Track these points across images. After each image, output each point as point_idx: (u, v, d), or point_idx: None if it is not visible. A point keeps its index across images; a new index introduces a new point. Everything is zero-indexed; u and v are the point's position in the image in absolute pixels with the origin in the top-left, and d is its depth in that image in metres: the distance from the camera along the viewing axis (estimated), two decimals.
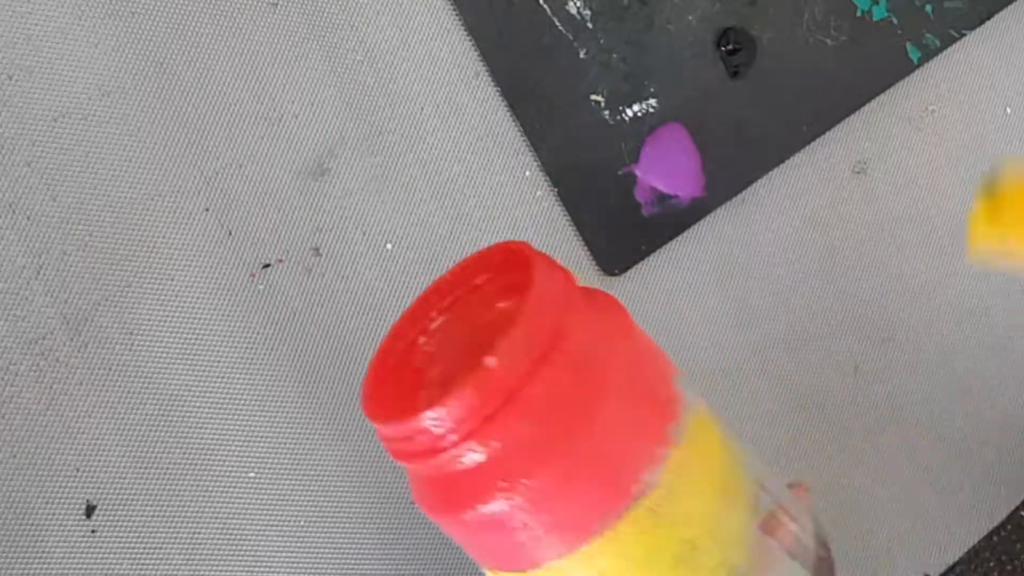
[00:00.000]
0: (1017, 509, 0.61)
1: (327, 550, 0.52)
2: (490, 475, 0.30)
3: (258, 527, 0.51)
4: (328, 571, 0.52)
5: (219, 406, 0.51)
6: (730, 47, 0.56)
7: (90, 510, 0.49)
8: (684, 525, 0.32)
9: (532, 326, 0.30)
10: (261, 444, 0.51)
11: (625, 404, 0.32)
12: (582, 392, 0.31)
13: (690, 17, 0.56)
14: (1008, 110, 0.61)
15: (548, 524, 0.31)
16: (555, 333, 0.31)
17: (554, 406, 0.30)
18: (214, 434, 0.51)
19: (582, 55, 0.55)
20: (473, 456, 0.30)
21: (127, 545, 0.49)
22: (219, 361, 0.51)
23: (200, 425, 0.51)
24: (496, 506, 0.30)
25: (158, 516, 0.50)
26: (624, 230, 0.55)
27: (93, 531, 0.49)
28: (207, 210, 0.51)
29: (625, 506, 0.31)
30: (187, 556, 0.50)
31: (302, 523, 0.51)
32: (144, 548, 0.49)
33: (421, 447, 0.31)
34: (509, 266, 0.36)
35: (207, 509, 0.50)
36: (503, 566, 0.32)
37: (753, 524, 0.35)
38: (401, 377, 0.37)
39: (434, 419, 0.30)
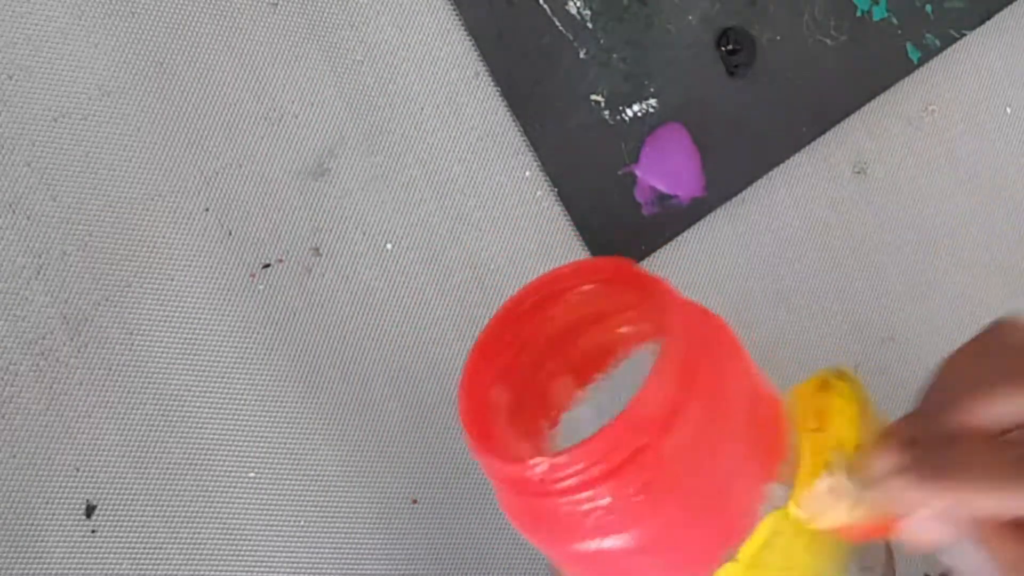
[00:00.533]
0: None
1: (327, 550, 0.52)
2: (609, 516, 0.30)
3: (258, 527, 0.51)
4: (328, 571, 0.52)
5: (219, 406, 0.51)
6: (730, 47, 0.56)
7: (90, 510, 0.49)
8: (787, 565, 0.33)
9: (669, 379, 0.30)
10: (261, 444, 0.51)
11: (745, 447, 0.32)
12: (709, 438, 0.31)
13: (690, 17, 0.56)
14: (1008, 110, 0.61)
15: (662, 564, 0.31)
16: (690, 380, 0.30)
17: (683, 455, 0.30)
18: (214, 434, 0.51)
19: (582, 55, 0.55)
20: (597, 502, 0.29)
21: (127, 545, 0.49)
22: (219, 361, 0.51)
23: (200, 425, 0.51)
24: (612, 542, 0.30)
25: (158, 516, 0.50)
26: (624, 230, 0.55)
27: (93, 531, 0.49)
28: (207, 210, 0.51)
29: (738, 544, 0.31)
30: (187, 556, 0.50)
31: (302, 523, 0.51)
32: (144, 548, 0.49)
33: (536, 486, 0.30)
34: (626, 285, 0.35)
35: (207, 509, 0.50)
36: None
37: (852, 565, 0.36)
38: (502, 396, 0.35)
39: (563, 464, 0.29)
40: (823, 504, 0.32)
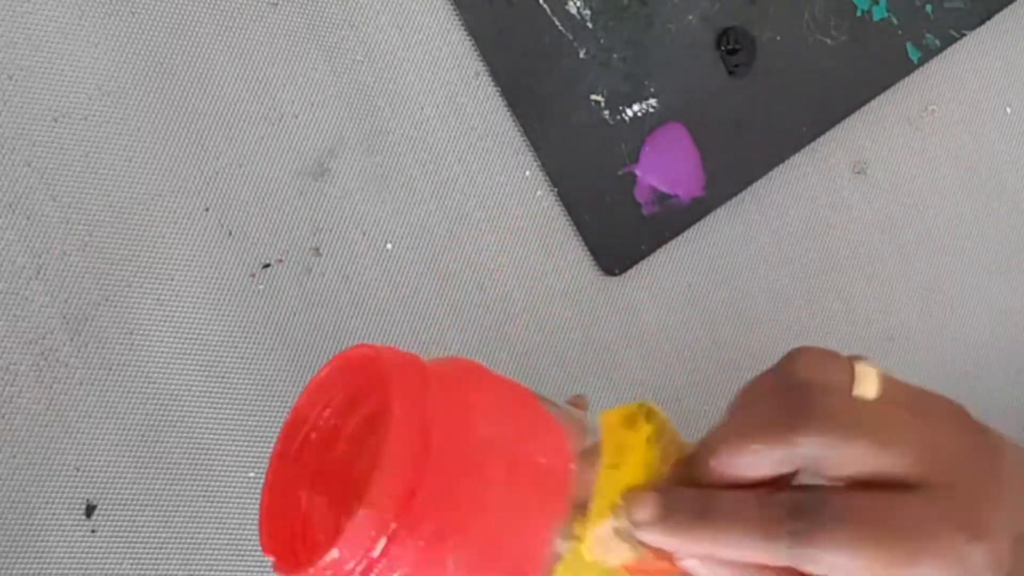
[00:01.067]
0: None
1: None
2: None
3: (258, 527, 0.51)
4: None
5: (219, 406, 0.51)
6: (730, 47, 0.56)
7: (90, 510, 0.49)
8: None
9: (397, 460, 0.31)
10: (261, 444, 0.51)
11: (515, 486, 0.32)
12: (467, 491, 0.31)
13: (690, 17, 0.56)
14: (1008, 110, 0.61)
15: None
16: (421, 451, 0.31)
17: (444, 513, 0.31)
18: (214, 434, 0.51)
19: (582, 55, 0.55)
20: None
21: (127, 545, 0.49)
22: (219, 361, 0.51)
23: (200, 425, 0.51)
24: None
25: (158, 516, 0.50)
26: (624, 230, 0.55)
27: (93, 531, 0.49)
28: (207, 210, 0.51)
29: None
30: (187, 556, 0.50)
31: None
32: (144, 548, 0.49)
33: None
34: (358, 376, 0.36)
35: (207, 509, 0.50)
36: None
37: None
38: (294, 519, 0.37)
39: (326, 568, 0.30)
40: (609, 544, 0.33)
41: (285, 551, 0.35)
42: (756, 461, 0.32)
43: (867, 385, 0.33)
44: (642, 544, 0.33)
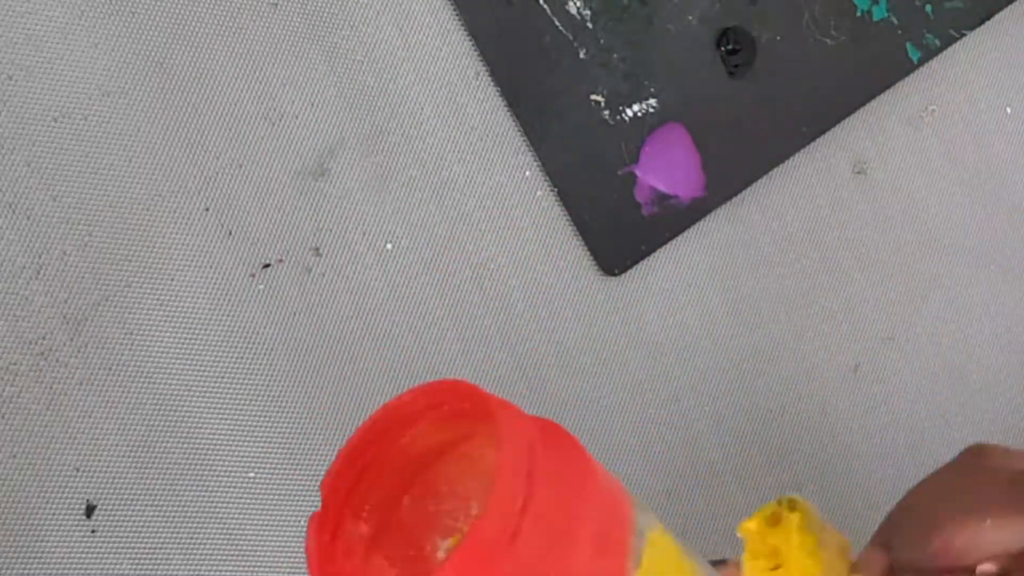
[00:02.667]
0: None
1: None
2: None
3: (258, 527, 0.51)
4: None
5: (219, 406, 0.51)
6: (730, 47, 0.56)
7: (90, 510, 0.49)
8: None
9: (504, 501, 0.28)
10: (261, 444, 0.51)
11: (590, 561, 0.30)
12: (552, 558, 0.29)
13: (690, 17, 0.56)
14: (1008, 110, 0.61)
15: None
16: (526, 499, 0.28)
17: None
18: (214, 434, 0.51)
19: (582, 55, 0.55)
20: None
21: (127, 545, 0.49)
22: (219, 361, 0.51)
23: (200, 425, 0.51)
24: None
25: (158, 516, 0.50)
26: (624, 230, 0.55)
27: (93, 531, 0.49)
28: (207, 210, 0.51)
29: None
30: (187, 556, 0.50)
31: (302, 523, 0.51)
32: (144, 548, 0.49)
33: None
34: (453, 402, 0.33)
35: (207, 509, 0.50)
36: None
37: None
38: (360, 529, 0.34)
39: None
40: None
41: None
42: (998, 539, 0.30)
43: None
44: None
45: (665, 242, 0.56)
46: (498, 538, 0.28)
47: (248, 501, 0.51)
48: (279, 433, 0.52)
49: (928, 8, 0.58)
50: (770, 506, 0.34)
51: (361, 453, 0.33)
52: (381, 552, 0.34)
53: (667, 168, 0.56)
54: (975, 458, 0.33)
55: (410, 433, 0.33)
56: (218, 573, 0.50)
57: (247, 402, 0.51)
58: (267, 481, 0.51)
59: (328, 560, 0.32)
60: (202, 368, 0.51)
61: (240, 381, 0.51)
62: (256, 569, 0.51)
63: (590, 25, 0.55)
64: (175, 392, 0.51)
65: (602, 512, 0.31)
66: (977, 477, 0.32)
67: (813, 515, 0.33)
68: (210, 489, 0.51)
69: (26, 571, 0.48)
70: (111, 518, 0.49)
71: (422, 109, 0.54)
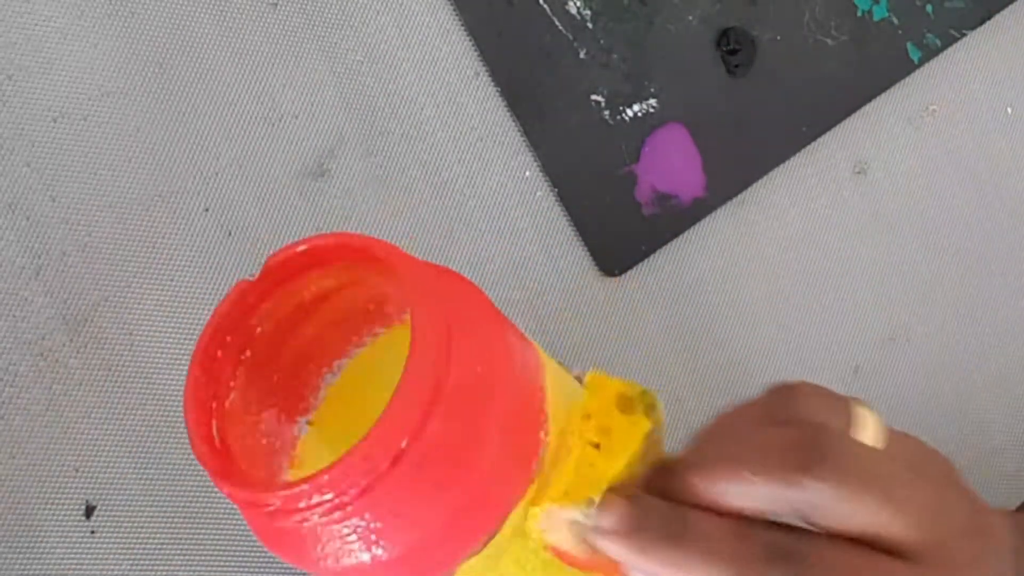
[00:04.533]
0: (1017, 509, 0.61)
1: None
2: (358, 534, 0.27)
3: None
4: None
5: None
6: (730, 47, 0.56)
7: (90, 511, 0.49)
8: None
9: (420, 373, 0.27)
10: None
11: (506, 441, 0.29)
12: (465, 437, 0.28)
13: (690, 17, 0.56)
14: (1009, 110, 0.61)
15: (410, 571, 0.29)
16: (441, 372, 0.27)
17: (437, 460, 0.27)
18: None
19: (582, 55, 0.55)
20: (348, 523, 0.27)
21: (127, 546, 0.49)
22: None
23: None
24: (358, 559, 0.28)
25: (158, 517, 0.50)
26: (624, 230, 0.55)
27: (93, 532, 0.49)
28: (207, 210, 0.51)
29: (486, 541, 0.29)
30: (187, 556, 0.50)
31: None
32: (144, 549, 0.49)
33: (284, 510, 0.28)
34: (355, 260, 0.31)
35: (207, 509, 0.50)
36: None
37: None
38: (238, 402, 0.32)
39: (312, 491, 0.27)
40: (559, 528, 0.30)
41: (219, 462, 0.30)
42: (749, 492, 0.29)
43: (867, 433, 0.31)
44: (587, 543, 0.30)
45: (665, 242, 0.56)
46: (411, 417, 0.27)
47: None
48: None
49: (929, 8, 0.58)
50: (634, 388, 0.32)
51: (230, 325, 0.32)
52: (258, 398, 0.32)
53: (667, 168, 0.56)
54: (782, 401, 0.32)
55: (291, 287, 0.32)
56: (218, 573, 0.50)
57: None
58: None
59: (208, 442, 0.31)
60: None
61: None
62: (256, 569, 0.51)
63: (590, 25, 0.55)
64: (175, 392, 0.50)
65: (515, 392, 0.30)
66: (764, 428, 0.31)
67: (661, 428, 0.32)
68: (210, 489, 0.50)
69: (26, 571, 0.48)
70: (111, 519, 0.49)
71: (422, 109, 0.54)
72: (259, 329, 0.32)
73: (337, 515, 0.27)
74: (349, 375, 0.34)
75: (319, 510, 0.27)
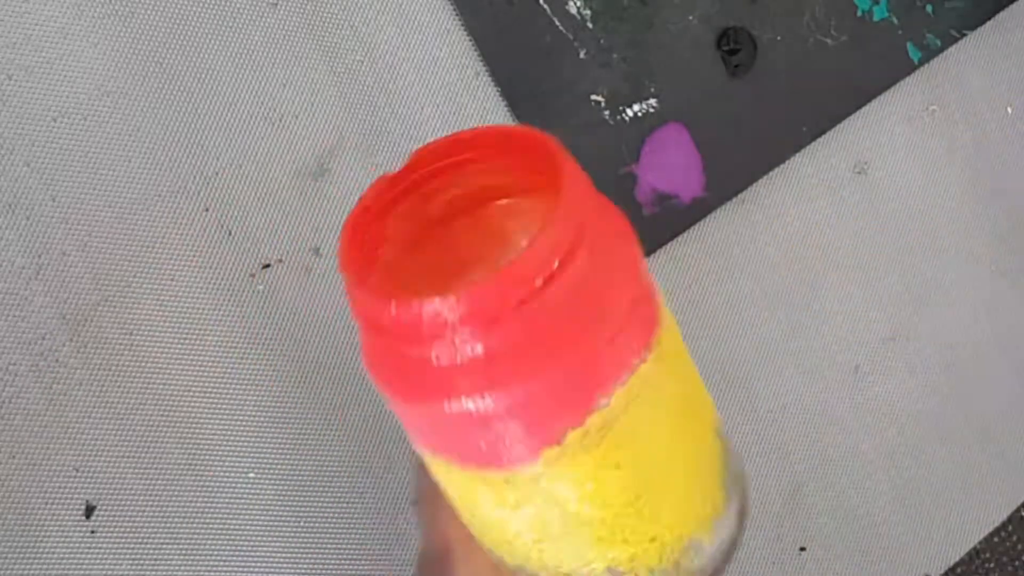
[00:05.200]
0: (1017, 509, 0.61)
1: (327, 550, 0.52)
2: (480, 371, 0.28)
3: (258, 527, 0.51)
4: (328, 571, 0.52)
5: (219, 406, 0.51)
6: (730, 47, 0.56)
7: (89, 510, 0.49)
8: (648, 439, 0.32)
9: (559, 233, 0.29)
10: (261, 444, 0.51)
11: (619, 320, 0.30)
12: (604, 278, 0.30)
13: (690, 17, 0.56)
14: (1009, 110, 0.61)
15: (524, 428, 0.29)
16: (576, 239, 0.29)
17: (560, 315, 0.28)
18: (214, 434, 0.51)
19: (582, 55, 0.55)
20: (472, 349, 0.28)
21: (127, 545, 0.49)
22: (219, 361, 0.51)
23: (200, 425, 0.51)
24: (477, 404, 0.28)
25: (158, 516, 0.50)
26: None
27: (93, 531, 0.49)
28: (207, 210, 0.51)
29: (588, 415, 0.30)
30: (187, 556, 0.50)
31: (302, 523, 0.51)
32: (144, 548, 0.49)
33: (411, 329, 0.28)
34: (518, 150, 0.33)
35: (207, 509, 0.50)
36: (467, 460, 0.31)
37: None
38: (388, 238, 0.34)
39: (445, 309, 0.27)
40: None
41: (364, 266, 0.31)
42: None
43: None
44: None
45: (665, 242, 0.56)
46: (537, 273, 0.28)
47: (248, 501, 0.51)
48: (279, 433, 0.51)
49: (929, 8, 0.58)
50: None
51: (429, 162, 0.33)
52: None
53: (667, 168, 0.56)
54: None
55: (472, 167, 0.33)
56: (218, 573, 0.50)
57: (247, 402, 0.51)
58: (267, 481, 0.51)
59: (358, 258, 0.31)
60: (202, 368, 0.51)
61: (240, 381, 0.51)
62: (256, 569, 0.51)
63: (590, 25, 0.55)
64: (175, 392, 0.51)
65: (638, 286, 0.32)
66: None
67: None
68: (210, 489, 0.51)
69: (26, 571, 0.48)
70: (111, 518, 0.49)
71: (422, 109, 0.54)
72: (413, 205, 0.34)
73: (482, 333, 0.28)
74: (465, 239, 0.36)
75: (468, 327, 0.28)
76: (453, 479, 0.32)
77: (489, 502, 0.31)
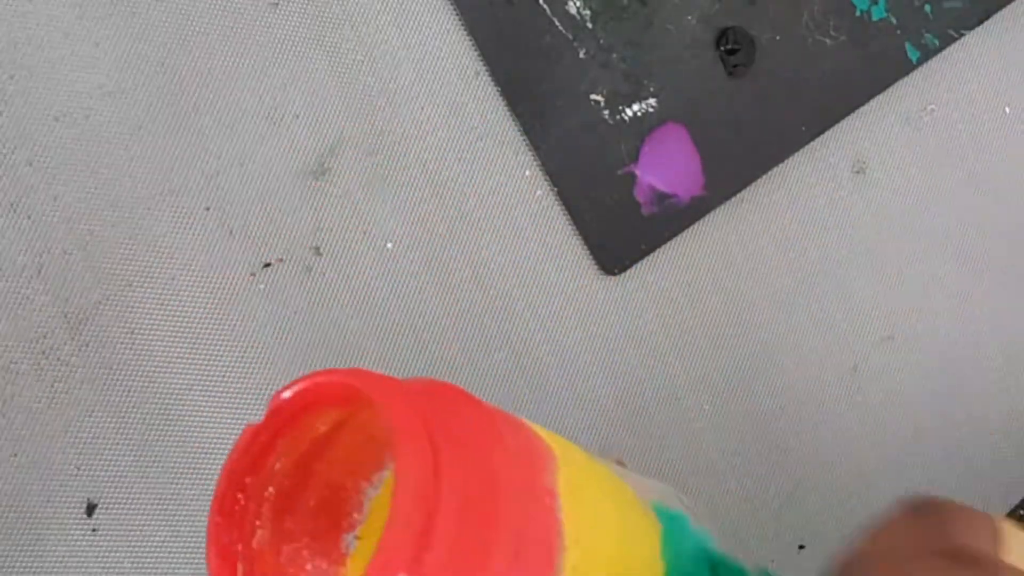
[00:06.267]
0: (1016, 508, 0.61)
1: None
2: None
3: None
4: None
5: (219, 406, 0.51)
6: (730, 47, 0.56)
7: (91, 509, 0.49)
8: None
9: (410, 497, 0.26)
10: None
11: (517, 537, 0.28)
12: (476, 544, 0.27)
13: (690, 17, 0.56)
14: (1007, 110, 0.61)
15: None
16: (431, 504, 0.26)
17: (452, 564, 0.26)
18: (214, 434, 0.51)
19: (582, 55, 0.55)
20: None
21: (128, 544, 0.49)
22: (219, 361, 0.51)
23: (200, 425, 0.51)
24: None
25: (159, 515, 0.50)
26: (624, 230, 0.55)
27: (94, 530, 0.49)
28: (208, 209, 0.52)
29: None
30: (187, 556, 0.50)
31: None
32: (145, 547, 0.50)
33: None
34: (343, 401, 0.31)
35: (207, 509, 0.50)
36: None
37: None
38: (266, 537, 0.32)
39: None
40: None
41: None
42: None
43: (1014, 553, 0.32)
44: None
45: (665, 242, 0.56)
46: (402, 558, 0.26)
47: None
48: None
49: (927, 8, 0.58)
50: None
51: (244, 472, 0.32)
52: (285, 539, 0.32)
53: (667, 168, 0.56)
54: (935, 527, 0.32)
55: (301, 424, 0.32)
56: None
57: (247, 402, 0.51)
58: None
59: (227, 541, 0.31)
60: (202, 368, 0.51)
61: (240, 381, 0.51)
62: None
63: (590, 25, 0.55)
64: (175, 392, 0.51)
65: (520, 509, 0.29)
66: (918, 554, 0.32)
67: None
68: (210, 489, 0.50)
69: (27, 570, 0.48)
70: (112, 517, 0.49)
71: (422, 109, 0.54)
72: (278, 465, 0.32)
73: None
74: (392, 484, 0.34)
75: None
76: None
77: None
